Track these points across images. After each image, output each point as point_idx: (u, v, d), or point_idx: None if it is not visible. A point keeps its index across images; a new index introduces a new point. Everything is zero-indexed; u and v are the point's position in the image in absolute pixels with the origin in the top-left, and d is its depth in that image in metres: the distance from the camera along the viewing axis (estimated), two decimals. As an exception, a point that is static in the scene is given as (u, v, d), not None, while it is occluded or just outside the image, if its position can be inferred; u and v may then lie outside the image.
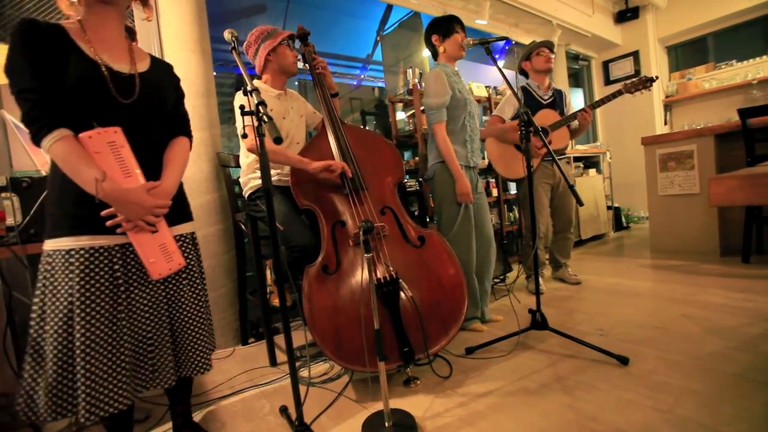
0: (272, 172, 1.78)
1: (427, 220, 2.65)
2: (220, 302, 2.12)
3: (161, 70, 1.17)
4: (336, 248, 1.57)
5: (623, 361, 1.48)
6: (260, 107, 1.05)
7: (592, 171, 4.21)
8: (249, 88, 1.09)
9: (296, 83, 3.68)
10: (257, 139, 1.09)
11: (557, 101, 2.56)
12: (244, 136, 1.29)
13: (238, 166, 1.99)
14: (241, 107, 1.11)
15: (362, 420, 1.28)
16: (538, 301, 1.72)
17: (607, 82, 5.35)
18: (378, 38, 4.19)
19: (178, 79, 1.22)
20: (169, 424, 1.31)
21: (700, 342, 1.61)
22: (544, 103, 2.55)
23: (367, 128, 3.37)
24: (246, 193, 1.86)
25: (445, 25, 1.97)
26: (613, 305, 2.17)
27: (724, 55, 4.77)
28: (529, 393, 1.37)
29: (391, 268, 1.49)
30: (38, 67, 0.91)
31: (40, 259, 0.99)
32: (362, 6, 4.11)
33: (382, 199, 1.69)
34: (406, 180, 2.57)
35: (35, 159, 1.57)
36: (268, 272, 2.02)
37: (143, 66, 1.10)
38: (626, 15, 4.94)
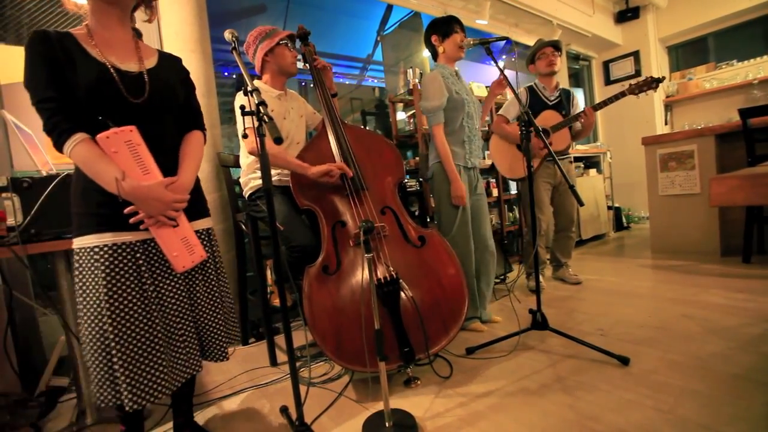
0: (272, 172, 1.78)
1: (428, 220, 2.65)
2: (221, 302, 2.12)
3: (169, 64, 1.17)
4: (336, 248, 1.57)
5: (624, 361, 1.48)
6: (261, 107, 1.05)
7: (593, 171, 4.21)
8: (249, 88, 1.09)
9: (301, 84, 3.68)
10: (258, 139, 1.09)
11: (563, 102, 2.55)
12: (245, 136, 1.29)
13: (238, 166, 1.99)
14: (242, 107, 1.11)
15: (363, 420, 1.28)
16: (539, 301, 1.72)
17: (608, 82, 5.34)
18: (378, 38, 4.19)
19: (187, 73, 1.23)
20: (170, 424, 1.31)
21: (700, 342, 1.60)
22: (550, 103, 2.55)
23: (367, 128, 3.37)
24: (246, 193, 1.86)
25: (444, 26, 1.97)
26: (613, 305, 2.17)
27: (724, 55, 4.77)
28: (529, 393, 1.37)
29: (392, 269, 1.49)
30: (52, 76, 0.95)
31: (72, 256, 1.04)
32: (362, 6, 4.11)
33: (383, 199, 1.69)
34: (406, 180, 2.58)
35: (36, 159, 1.57)
36: (268, 272, 2.02)
37: (151, 63, 1.11)
38: (627, 15, 4.93)
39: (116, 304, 0.98)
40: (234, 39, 1.22)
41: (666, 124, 5.09)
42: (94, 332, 0.99)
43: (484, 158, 2.89)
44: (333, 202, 1.65)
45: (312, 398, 1.44)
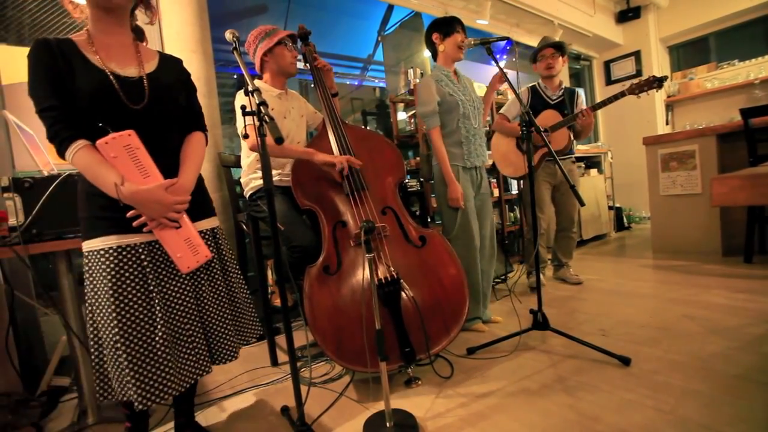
0: (273, 172, 1.78)
1: (428, 220, 2.65)
2: (222, 302, 2.12)
3: (170, 67, 1.17)
4: (337, 248, 1.57)
5: (625, 361, 1.48)
6: (261, 107, 1.05)
7: (594, 171, 4.20)
8: (250, 88, 1.09)
9: (301, 84, 3.69)
10: (258, 139, 1.09)
11: (566, 101, 2.54)
12: (246, 136, 1.29)
13: (239, 166, 1.99)
14: (243, 107, 1.11)
15: (363, 420, 1.28)
16: (540, 302, 1.72)
17: (609, 82, 5.34)
18: (379, 38, 4.19)
19: (187, 74, 1.23)
20: (171, 424, 1.32)
21: (701, 342, 1.60)
22: (552, 103, 2.55)
23: (368, 128, 3.37)
24: (247, 193, 1.86)
25: (446, 25, 1.98)
26: (614, 305, 2.17)
27: (726, 54, 4.76)
28: (530, 393, 1.37)
29: (392, 269, 1.49)
30: (53, 85, 0.97)
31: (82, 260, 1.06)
32: (363, 6, 4.11)
33: (383, 199, 1.69)
34: (407, 180, 2.58)
35: (37, 159, 1.57)
36: (269, 272, 2.02)
37: (151, 66, 1.11)
38: (628, 15, 4.93)
39: (121, 305, 0.99)
40: (235, 39, 1.22)
41: (667, 124, 5.08)
42: (105, 333, 1.00)
43: (486, 159, 2.89)
44: (334, 202, 1.65)
45: (313, 398, 1.44)
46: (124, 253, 1.01)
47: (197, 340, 1.10)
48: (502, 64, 1.84)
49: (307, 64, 1.89)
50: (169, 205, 1.02)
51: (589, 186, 4.00)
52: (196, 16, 2.10)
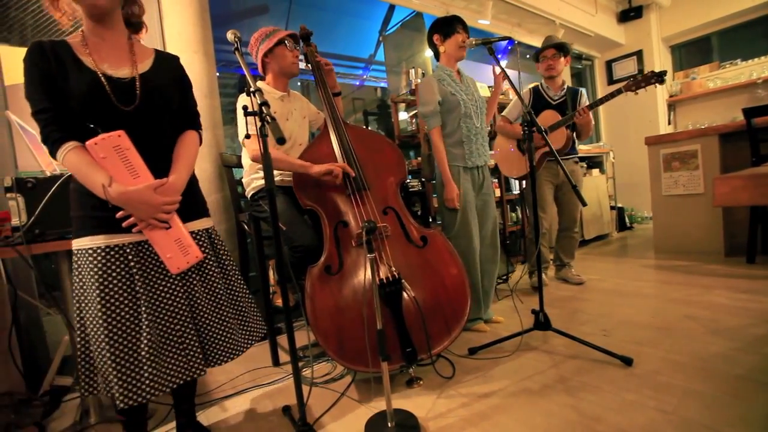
0: (275, 172, 1.78)
1: (430, 220, 2.65)
2: (223, 302, 2.12)
3: (164, 65, 1.16)
4: (338, 248, 1.57)
5: (627, 361, 1.47)
6: (263, 108, 1.05)
7: (596, 171, 4.20)
8: (252, 89, 1.09)
9: (298, 83, 3.69)
10: (260, 139, 1.09)
11: (568, 102, 2.54)
12: (247, 136, 1.29)
13: (240, 166, 2.00)
14: (244, 107, 1.11)
15: (365, 420, 1.28)
16: (541, 302, 1.72)
17: (611, 81, 5.33)
18: (380, 38, 4.19)
19: (182, 72, 1.21)
20: (173, 424, 1.32)
21: (704, 343, 1.60)
22: (553, 103, 2.54)
23: (369, 128, 3.37)
24: (249, 193, 1.86)
25: (446, 26, 1.98)
26: (616, 306, 2.16)
27: (728, 54, 4.74)
28: (532, 394, 1.36)
29: (394, 269, 1.49)
30: (46, 87, 0.98)
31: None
32: (364, 6, 4.11)
33: (385, 199, 1.69)
34: (408, 180, 2.58)
35: (40, 159, 1.58)
36: (270, 272, 2.02)
37: (145, 66, 1.10)
38: (629, 14, 4.91)
39: (107, 304, 0.99)
40: (236, 40, 1.22)
41: (669, 123, 5.06)
42: (91, 330, 1.01)
43: (488, 158, 2.89)
44: (335, 202, 1.65)
45: (314, 398, 1.45)
46: (111, 253, 1.01)
47: (188, 340, 1.08)
48: (503, 63, 1.84)
49: (309, 65, 1.89)
50: (158, 206, 1.02)
51: (591, 186, 3.99)
52: (198, 16, 2.11)
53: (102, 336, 0.98)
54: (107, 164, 0.98)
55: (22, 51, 1.80)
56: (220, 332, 1.16)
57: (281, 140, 1.01)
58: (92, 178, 0.98)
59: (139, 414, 1.19)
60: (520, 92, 1.82)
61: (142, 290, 1.03)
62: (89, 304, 1.01)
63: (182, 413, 1.27)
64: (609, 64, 5.31)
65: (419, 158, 2.96)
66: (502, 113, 2.66)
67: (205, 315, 1.14)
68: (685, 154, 3.13)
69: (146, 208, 1.00)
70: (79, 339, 1.04)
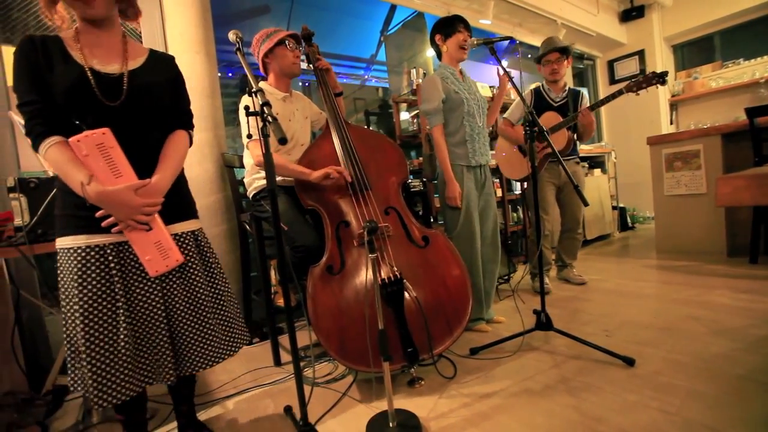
0: (276, 172, 1.78)
1: (431, 220, 2.65)
2: (225, 302, 2.13)
3: (157, 64, 1.14)
4: (340, 248, 1.57)
5: (629, 362, 1.47)
6: (265, 108, 1.05)
7: (598, 171, 4.19)
8: (253, 89, 1.09)
9: (299, 83, 3.69)
10: (262, 139, 1.09)
11: (569, 103, 2.53)
12: (249, 137, 1.29)
13: (242, 166, 2.00)
14: (246, 108, 1.11)
15: (366, 420, 1.28)
16: (543, 302, 1.72)
17: (612, 81, 5.31)
18: (382, 39, 4.19)
19: (176, 72, 1.19)
20: (174, 424, 1.32)
21: (706, 343, 1.59)
22: (555, 105, 2.54)
23: (371, 128, 3.37)
24: (250, 193, 1.87)
25: (447, 26, 1.97)
26: (618, 306, 2.16)
27: (730, 53, 4.73)
28: (533, 394, 1.36)
29: (396, 269, 1.49)
30: (33, 80, 0.97)
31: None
32: (366, 6, 4.11)
33: (386, 199, 1.69)
34: (410, 180, 2.58)
35: (42, 160, 1.58)
36: (272, 272, 2.03)
37: (136, 63, 1.09)
38: (631, 14, 4.90)
39: (85, 305, 0.98)
40: (238, 40, 1.23)
41: (671, 123, 5.05)
42: (72, 329, 1.00)
43: (489, 158, 2.89)
44: (337, 202, 1.66)
45: (316, 398, 1.45)
46: (92, 253, 1.00)
47: (160, 345, 1.06)
48: (504, 63, 1.84)
49: (311, 65, 1.89)
50: (137, 207, 0.99)
51: (593, 186, 3.98)
52: (200, 17, 2.11)
53: (80, 336, 0.98)
54: (90, 162, 0.96)
55: (24, 52, 1.81)
56: (199, 339, 1.12)
57: (283, 140, 1.01)
58: (72, 175, 0.96)
59: (138, 413, 1.19)
60: (522, 93, 1.81)
61: (121, 291, 1.01)
62: (70, 304, 1.00)
63: (182, 414, 1.27)
64: (611, 64, 5.30)
65: (420, 158, 2.96)
66: (504, 115, 2.65)
67: (183, 320, 1.10)
68: (687, 154, 3.12)
69: (125, 209, 0.98)
70: (65, 337, 1.03)
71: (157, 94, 1.11)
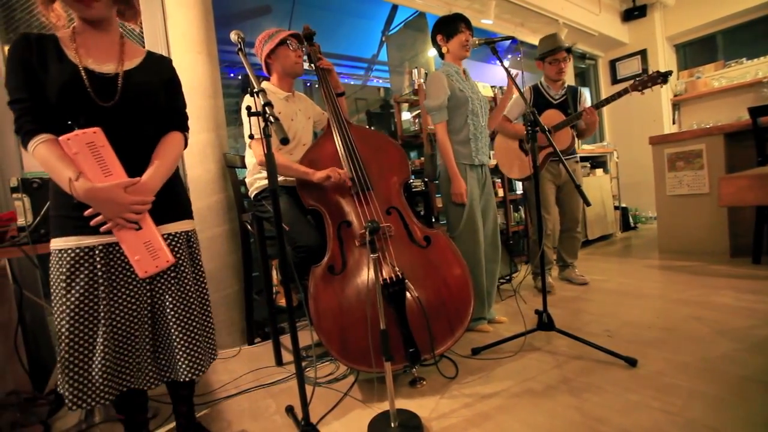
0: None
1: (433, 220, 2.65)
2: (227, 302, 2.13)
3: (153, 66, 1.14)
4: (342, 248, 1.57)
5: (631, 362, 1.47)
6: (266, 108, 1.05)
7: (600, 171, 4.18)
8: (255, 89, 1.09)
9: (306, 84, 3.70)
10: (264, 139, 1.09)
11: (569, 101, 2.53)
12: (251, 137, 1.29)
13: (244, 166, 2.00)
14: (248, 108, 1.11)
15: (368, 420, 1.28)
16: (545, 302, 1.71)
17: (614, 81, 5.30)
18: (383, 38, 4.19)
19: (172, 73, 1.19)
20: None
21: (708, 344, 1.59)
22: (555, 103, 2.53)
23: (372, 128, 3.37)
24: (252, 193, 1.87)
25: (449, 26, 1.97)
26: (620, 306, 2.15)
27: (733, 52, 4.71)
28: (535, 394, 1.36)
29: (397, 269, 1.49)
30: (25, 78, 0.97)
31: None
32: (367, 6, 4.12)
33: (388, 199, 1.69)
34: (411, 180, 2.58)
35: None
36: (274, 272, 2.03)
37: (132, 64, 1.09)
38: (633, 13, 4.89)
39: (72, 306, 0.98)
40: (240, 40, 1.23)
41: (674, 123, 5.04)
42: (59, 332, 1.00)
43: (490, 158, 2.88)
44: (338, 202, 1.66)
45: (317, 398, 1.45)
46: (81, 254, 0.99)
47: (141, 350, 1.05)
48: (506, 63, 1.83)
49: (312, 65, 1.89)
50: (126, 205, 0.98)
51: (595, 186, 3.97)
52: (202, 17, 2.12)
53: (64, 338, 0.97)
54: (80, 161, 0.95)
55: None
56: (185, 343, 1.09)
57: (285, 140, 1.01)
58: (60, 172, 0.96)
59: (140, 413, 1.19)
60: (522, 91, 1.81)
61: (103, 294, 1.00)
62: (57, 306, 1.00)
63: (181, 415, 1.26)
64: (613, 64, 5.29)
65: (422, 158, 2.96)
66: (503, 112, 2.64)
67: (171, 323, 1.08)
68: (689, 154, 3.11)
69: (113, 206, 0.97)
70: (58, 335, 1.01)
71: (152, 95, 1.10)
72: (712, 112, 4.74)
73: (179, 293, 1.10)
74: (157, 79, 1.13)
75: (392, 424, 1.19)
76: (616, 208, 4.39)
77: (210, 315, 1.21)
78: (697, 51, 5.11)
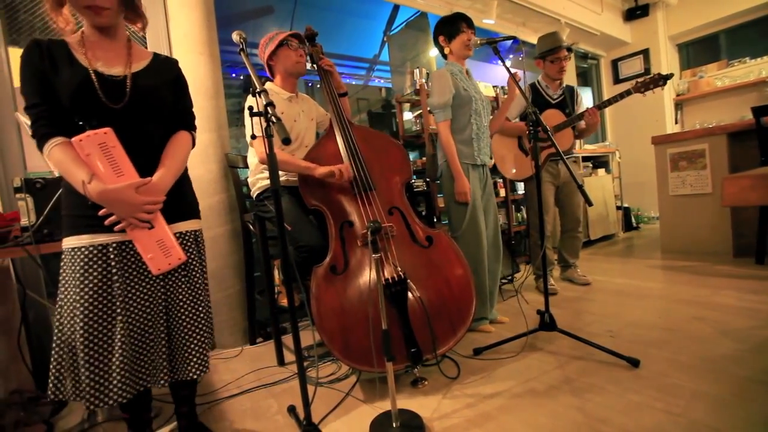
0: (280, 172, 1.79)
1: (435, 220, 2.65)
2: (229, 302, 2.14)
3: (160, 67, 1.16)
4: (344, 248, 1.57)
5: (633, 363, 1.46)
6: (269, 108, 1.05)
7: (602, 170, 4.17)
8: (257, 89, 1.09)
9: (308, 84, 3.70)
10: (266, 140, 1.09)
11: (567, 100, 2.52)
12: (253, 137, 1.30)
13: (246, 166, 2.01)
14: (250, 108, 1.12)
15: (370, 420, 1.28)
16: (547, 302, 1.71)
17: (617, 80, 5.29)
18: (385, 39, 4.19)
19: (178, 74, 1.21)
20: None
21: (711, 344, 1.58)
22: (553, 102, 2.53)
23: (374, 129, 3.36)
24: (254, 193, 1.87)
25: (451, 26, 1.97)
26: (622, 306, 2.15)
27: (736, 52, 4.69)
28: (537, 394, 1.36)
29: (399, 269, 1.49)
30: (37, 83, 1.00)
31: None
32: (369, 6, 4.12)
33: (390, 199, 1.69)
34: (413, 180, 2.57)
35: (47, 160, 1.59)
36: (276, 272, 2.03)
37: (139, 66, 1.11)
38: (636, 13, 4.88)
39: (86, 305, 0.99)
40: (242, 40, 1.23)
41: (676, 122, 5.02)
42: (68, 332, 1.00)
43: (491, 158, 2.87)
44: (340, 202, 1.66)
45: (319, 398, 1.45)
46: (95, 252, 1.01)
47: (158, 346, 1.07)
48: (507, 63, 1.83)
49: (314, 65, 1.89)
50: (139, 205, 1.01)
51: (597, 186, 3.97)
52: (204, 18, 2.12)
53: (79, 338, 0.98)
54: (92, 161, 0.98)
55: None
56: (194, 340, 1.12)
57: (287, 140, 1.01)
58: (74, 174, 0.98)
59: (143, 412, 1.19)
60: (524, 92, 1.80)
61: (119, 292, 1.02)
62: (69, 306, 1.00)
63: (182, 415, 1.27)
64: (615, 63, 5.27)
65: (423, 158, 2.96)
66: None
67: (184, 319, 1.11)
68: (692, 154, 3.10)
69: (126, 206, 1.00)
70: (56, 339, 1.02)
71: (160, 96, 1.13)
72: (715, 111, 4.72)
73: (190, 291, 1.13)
74: (164, 80, 1.15)
75: (394, 424, 1.19)
76: (618, 208, 4.38)
77: (209, 313, 1.23)
78: (699, 50, 5.09)
